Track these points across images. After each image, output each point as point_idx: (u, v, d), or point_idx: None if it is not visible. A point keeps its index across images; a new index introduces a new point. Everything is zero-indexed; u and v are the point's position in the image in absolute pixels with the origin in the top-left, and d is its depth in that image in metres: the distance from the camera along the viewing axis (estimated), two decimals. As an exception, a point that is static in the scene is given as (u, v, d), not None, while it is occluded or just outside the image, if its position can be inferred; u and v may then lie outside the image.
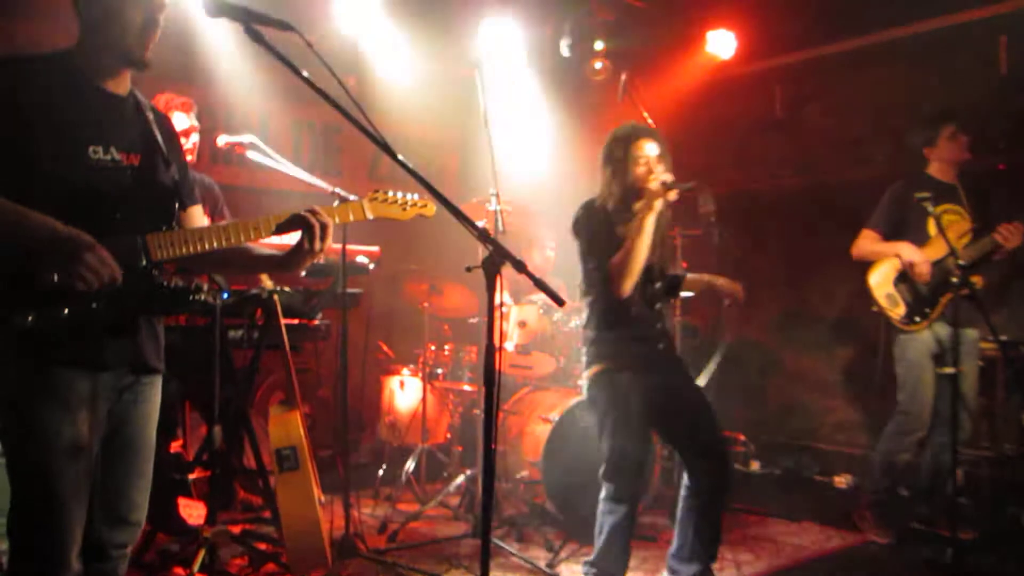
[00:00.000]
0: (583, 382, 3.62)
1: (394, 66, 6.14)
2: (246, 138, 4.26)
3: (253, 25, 2.15)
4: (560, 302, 2.30)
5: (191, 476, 4.20)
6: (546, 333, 4.90)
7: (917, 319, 4.47)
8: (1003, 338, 4.28)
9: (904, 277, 4.49)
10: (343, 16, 5.36)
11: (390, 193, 2.62)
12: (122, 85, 2.28)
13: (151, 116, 2.33)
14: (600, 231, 3.42)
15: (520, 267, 2.25)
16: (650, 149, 3.41)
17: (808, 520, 4.83)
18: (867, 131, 5.92)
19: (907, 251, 4.46)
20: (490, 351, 2.26)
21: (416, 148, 6.76)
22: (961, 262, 3.90)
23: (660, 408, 3.41)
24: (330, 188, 3.96)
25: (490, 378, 2.28)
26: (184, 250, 2.24)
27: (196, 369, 3.69)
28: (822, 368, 6.14)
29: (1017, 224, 4.26)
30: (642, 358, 3.45)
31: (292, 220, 2.33)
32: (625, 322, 3.47)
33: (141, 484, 2.34)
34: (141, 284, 2.17)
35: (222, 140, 4.30)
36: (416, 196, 2.68)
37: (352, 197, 3.83)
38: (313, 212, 2.34)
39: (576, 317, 4.92)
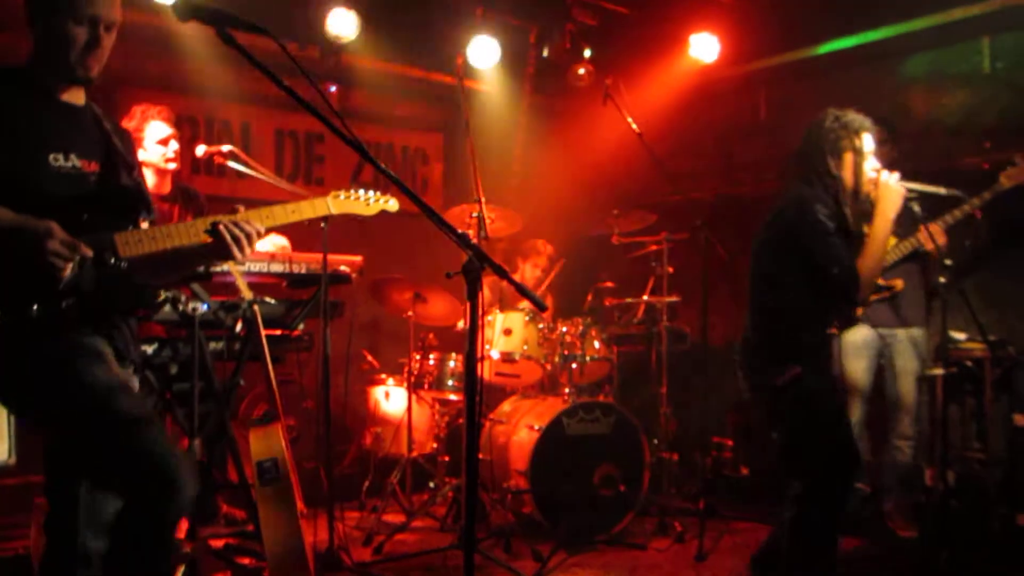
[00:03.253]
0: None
1: (376, 74, 6.11)
2: (225, 147, 4.22)
3: (226, 29, 2.12)
4: (541, 307, 2.27)
5: (172, 490, 4.13)
6: (533, 341, 4.85)
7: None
8: (991, 338, 4.29)
9: None
10: (325, 24, 5.32)
11: (353, 191, 2.62)
12: (78, 97, 2.33)
13: (108, 126, 2.38)
14: (838, 231, 3.15)
15: (501, 272, 2.22)
16: (870, 142, 3.26)
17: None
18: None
19: None
20: (472, 356, 2.22)
21: (399, 157, 6.73)
22: (948, 262, 3.90)
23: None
24: (311, 197, 3.91)
25: (472, 382, 2.25)
26: (151, 246, 2.25)
27: (176, 381, 3.64)
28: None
29: (936, 226, 4.28)
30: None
31: (211, 230, 2.34)
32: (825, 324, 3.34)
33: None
34: (109, 281, 2.18)
35: (201, 150, 4.26)
36: (378, 192, 2.69)
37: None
38: (232, 224, 2.34)
39: (563, 325, 4.87)
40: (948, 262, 3.97)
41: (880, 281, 4.42)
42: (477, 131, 4.38)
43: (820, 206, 3.13)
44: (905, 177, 4.39)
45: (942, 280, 3.98)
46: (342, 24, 5.36)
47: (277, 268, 3.88)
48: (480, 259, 2.18)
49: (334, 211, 2.61)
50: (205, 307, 3.57)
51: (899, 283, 4.52)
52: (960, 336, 4.57)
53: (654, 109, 5.98)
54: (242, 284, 3.61)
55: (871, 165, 3.21)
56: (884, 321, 4.59)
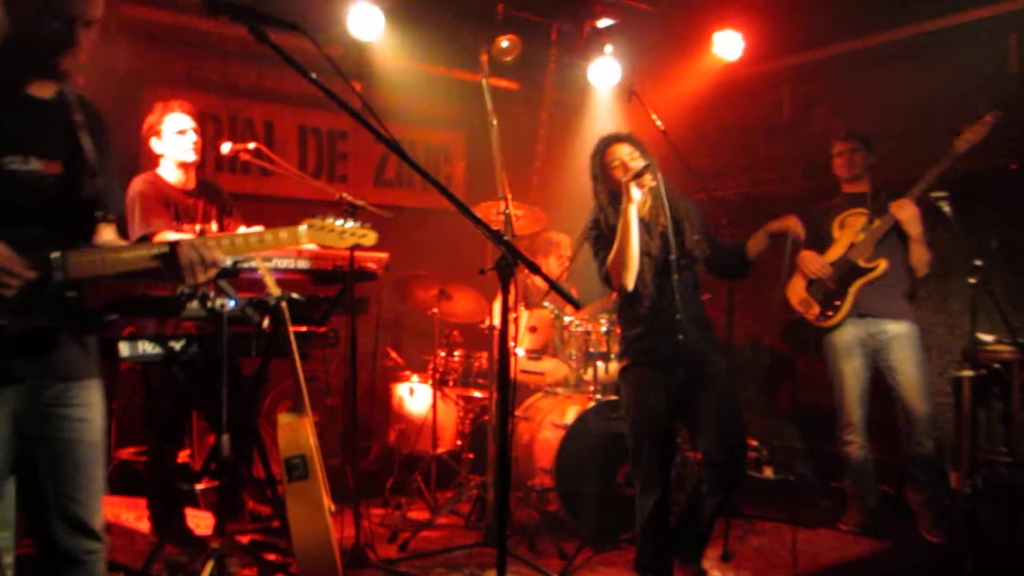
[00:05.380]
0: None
1: (398, 72, 6.12)
2: (251, 145, 4.24)
3: (257, 25, 2.12)
4: (576, 305, 2.26)
5: (198, 486, 4.16)
6: (558, 338, 4.84)
7: (829, 313, 4.69)
8: (1021, 340, 4.24)
9: (813, 280, 4.74)
10: (348, 21, 5.33)
11: (328, 220, 2.55)
12: (47, 89, 2.22)
13: (80, 119, 2.25)
14: (601, 236, 3.58)
15: (534, 269, 2.21)
16: (621, 151, 3.57)
17: (824, 527, 4.75)
18: (876, 132, 5.86)
19: (801, 256, 4.75)
20: (504, 352, 2.22)
21: (421, 155, 6.73)
22: (977, 262, 3.88)
23: (676, 404, 3.44)
24: (336, 194, 3.93)
25: (504, 379, 2.24)
26: (102, 269, 2.18)
27: (203, 377, 3.65)
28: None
29: (905, 199, 4.44)
30: (656, 352, 3.47)
31: (166, 255, 2.24)
32: (641, 317, 3.55)
33: (91, 488, 2.28)
34: (55, 302, 2.12)
35: (227, 147, 4.27)
36: (355, 224, 2.60)
37: (358, 203, 3.85)
38: (190, 246, 2.25)
39: (589, 322, 4.87)
40: (978, 262, 3.94)
41: (861, 262, 4.59)
42: (499, 129, 4.38)
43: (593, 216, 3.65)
44: (882, 189, 4.56)
45: (971, 281, 3.97)
46: (365, 22, 5.37)
47: (304, 264, 3.89)
48: (514, 256, 2.18)
49: (305, 242, 2.49)
50: (233, 303, 3.58)
51: (883, 263, 4.55)
52: (988, 338, 4.53)
53: (677, 107, 5.95)
54: (270, 280, 3.62)
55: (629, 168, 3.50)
56: (871, 308, 4.60)
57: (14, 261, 2.01)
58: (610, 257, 3.46)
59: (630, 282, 3.44)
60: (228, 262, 2.35)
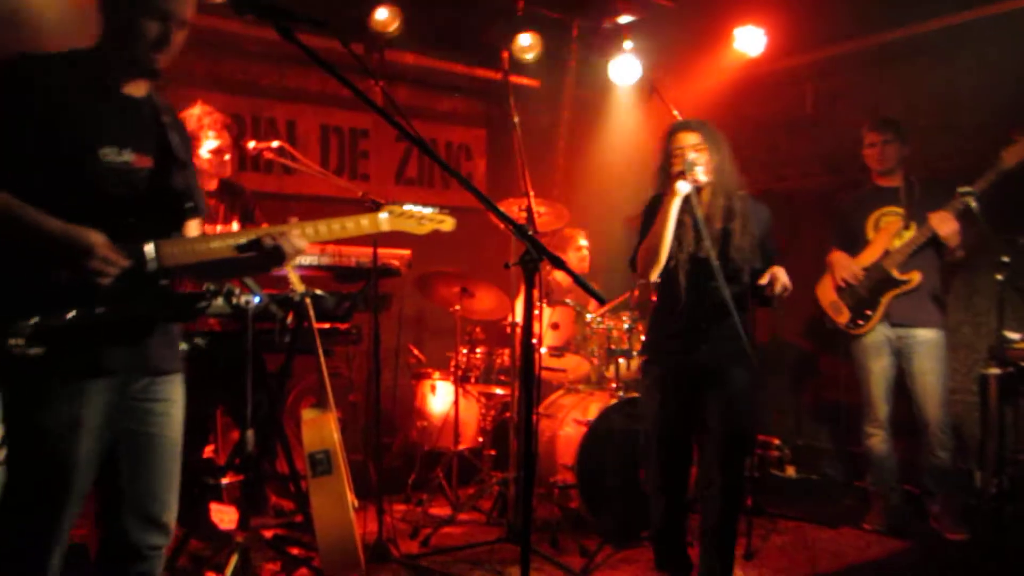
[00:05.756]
0: None
1: (419, 70, 6.13)
2: (275, 143, 4.26)
3: (284, 23, 2.13)
4: (600, 300, 2.26)
5: (223, 481, 4.19)
6: (580, 335, 4.84)
7: (860, 322, 4.60)
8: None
9: (844, 285, 4.64)
10: (368, 19, 5.35)
11: (406, 208, 2.57)
12: (140, 88, 2.29)
13: (168, 119, 2.33)
14: (646, 220, 3.46)
15: (559, 264, 2.22)
16: (686, 140, 3.39)
17: (847, 526, 4.72)
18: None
19: (834, 258, 4.68)
20: (528, 348, 2.22)
21: (443, 152, 6.75)
22: (1005, 259, 3.84)
23: (691, 411, 3.40)
24: (359, 192, 3.94)
25: (529, 374, 2.24)
26: (194, 258, 2.23)
27: (228, 373, 3.68)
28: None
29: (945, 212, 4.30)
30: (675, 356, 3.41)
31: (250, 245, 2.30)
32: (667, 317, 3.46)
33: (168, 484, 2.34)
34: (149, 290, 2.17)
35: (251, 146, 4.30)
36: (433, 210, 2.62)
37: (381, 202, 3.86)
38: (275, 236, 2.30)
39: (611, 319, 4.86)
40: (1005, 259, 3.91)
41: (895, 273, 4.48)
42: (521, 126, 4.38)
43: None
44: (954, 175, 4.43)
45: (998, 277, 3.94)
46: (386, 20, 5.39)
47: (327, 261, 3.91)
48: (538, 251, 2.18)
49: (385, 228, 2.51)
50: (257, 300, 3.60)
51: (916, 276, 4.46)
52: (1015, 336, 4.49)
53: (699, 103, 5.91)
54: (294, 277, 3.64)
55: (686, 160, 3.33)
56: (903, 318, 4.53)
57: (110, 249, 2.06)
58: (643, 244, 3.40)
59: (654, 275, 3.37)
60: (304, 247, 2.38)
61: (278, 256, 2.31)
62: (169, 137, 2.31)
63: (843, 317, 4.67)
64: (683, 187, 3.25)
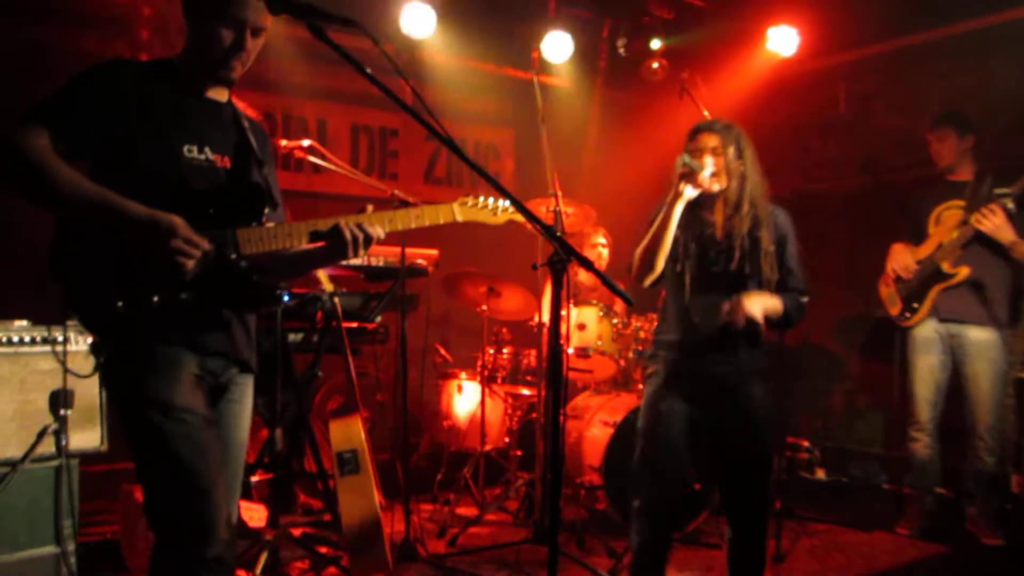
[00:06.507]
0: None
1: (448, 70, 6.14)
2: (305, 142, 4.29)
3: (316, 23, 2.14)
4: (628, 301, 2.24)
5: (252, 479, 4.21)
6: (606, 336, 4.82)
7: (908, 314, 4.62)
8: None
9: (899, 276, 4.67)
10: (398, 19, 5.36)
11: (480, 199, 2.58)
12: (222, 94, 2.40)
13: (247, 124, 2.43)
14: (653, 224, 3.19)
15: (587, 264, 2.20)
16: (707, 142, 3.14)
17: (879, 530, 4.67)
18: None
19: (892, 250, 4.71)
20: (556, 347, 2.21)
21: (471, 152, 6.75)
22: None
23: (691, 428, 3.09)
24: (388, 191, 3.95)
25: (556, 376, 2.23)
26: (272, 244, 2.27)
27: (257, 372, 3.70)
28: (889, 372, 5.94)
29: (993, 207, 4.27)
30: (678, 367, 3.12)
31: (330, 232, 2.33)
32: (674, 325, 3.17)
33: (234, 486, 2.37)
34: (229, 276, 2.22)
35: (282, 145, 4.32)
36: (506, 203, 2.60)
37: (410, 200, 3.87)
38: (354, 225, 2.33)
39: (637, 321, 4.84)
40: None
41: (945, 266, 4.46)
42: (550, 126, 4.37)
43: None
44: (988, 175, 4.37)
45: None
46: (416, 19, 5.40)
47: (356, 261, 3.92)
48: (566, 252, 2.17)
49: (460, 218, 2.53)
50: (286, 298, 3.63)
51: (964, 270, 4.42)
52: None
53: (730, 103, 5.87)
54: (323, 276, 3.66)
55: (705, 162, 3.09)
56: (954, 314, 4.49)
57: (192, 233, 2.10)
58: (639, 247, 3.12)
59: (647, 281, 3.11)
60: (383, 234, 2.40)
61: (366, 242, 2.34)
62: (249, 139, 2.40)
63: (895, 308, 4.69)
64: (690, 192, 3.04)
